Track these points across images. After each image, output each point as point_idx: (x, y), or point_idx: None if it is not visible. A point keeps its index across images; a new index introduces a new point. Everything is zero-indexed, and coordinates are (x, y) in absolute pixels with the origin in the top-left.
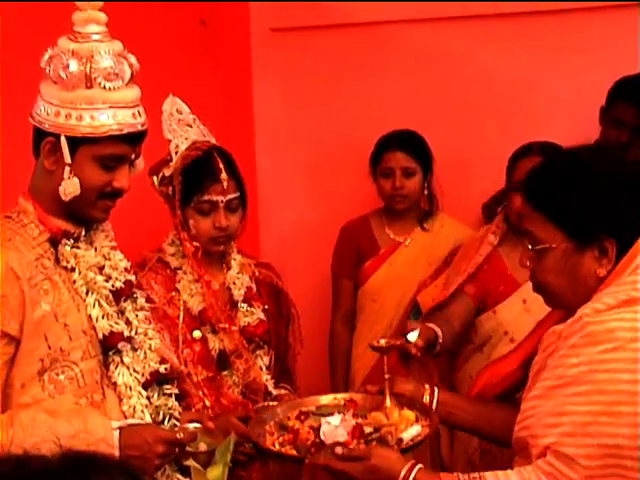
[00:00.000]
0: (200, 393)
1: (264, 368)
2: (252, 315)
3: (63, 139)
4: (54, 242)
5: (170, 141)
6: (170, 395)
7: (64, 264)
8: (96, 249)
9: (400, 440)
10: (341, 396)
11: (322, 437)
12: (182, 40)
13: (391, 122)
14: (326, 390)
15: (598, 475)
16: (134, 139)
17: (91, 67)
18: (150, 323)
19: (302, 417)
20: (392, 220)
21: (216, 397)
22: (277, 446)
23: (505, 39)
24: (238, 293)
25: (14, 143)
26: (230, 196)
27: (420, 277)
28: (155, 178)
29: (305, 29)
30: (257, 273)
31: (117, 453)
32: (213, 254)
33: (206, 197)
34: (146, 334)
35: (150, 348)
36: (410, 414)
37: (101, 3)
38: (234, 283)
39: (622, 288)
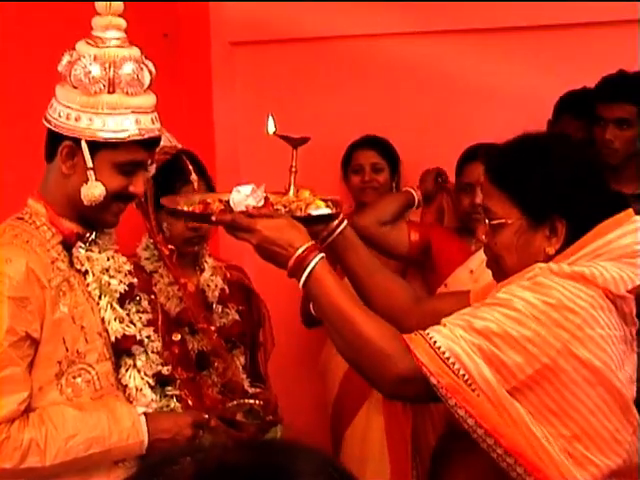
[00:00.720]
0: (182, 394)
1: (240, 367)
2: (227, 316)
3: (84, 144)
4: (66, 245)
5: None
6: (172, 396)
7: (78, 267)
8: (100, 252)
9: (309, 216)
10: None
11: (231, 204)
12: (146, 53)
13: (349, 135)
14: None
15: None
16: (151, 144)
17: (114, 72)
18: (150, 325)
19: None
20: None
21: (197, 397)
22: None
23: (470, 50)
24: (212, 295)
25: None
26: None
27: None
28: None
29: (263, 43)
30: (228, 275)
31: (146, 438)
32: (186, 257)
33: None
34: (149, 336)
35: (153, 350)
36: (321, 203)
37: (121, 9)
38: (208, 285)
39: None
